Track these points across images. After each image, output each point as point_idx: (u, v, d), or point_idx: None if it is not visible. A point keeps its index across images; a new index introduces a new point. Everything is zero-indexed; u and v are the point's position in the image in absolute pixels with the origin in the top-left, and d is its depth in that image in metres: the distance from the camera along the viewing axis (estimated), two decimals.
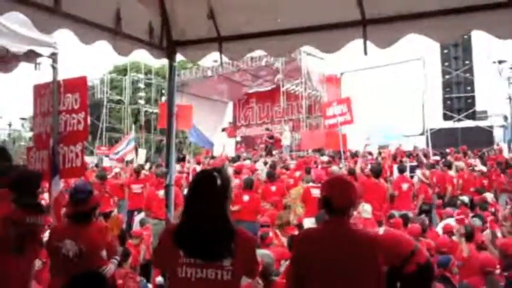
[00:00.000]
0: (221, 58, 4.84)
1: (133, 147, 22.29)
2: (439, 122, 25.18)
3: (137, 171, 14.82)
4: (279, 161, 19.20)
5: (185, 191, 12.96)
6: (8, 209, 4.30)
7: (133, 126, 31.88)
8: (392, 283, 3.32)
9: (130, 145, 22.23)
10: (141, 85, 33.75)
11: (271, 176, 12.93)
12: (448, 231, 9.03)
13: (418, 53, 22.83)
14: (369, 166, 13.71)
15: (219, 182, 2.96)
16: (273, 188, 12.35)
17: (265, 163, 18.18)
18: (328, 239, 3.35)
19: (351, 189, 3.49)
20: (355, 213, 7.55)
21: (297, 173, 14.99)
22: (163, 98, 32.81)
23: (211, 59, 4.72)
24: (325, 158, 17.84)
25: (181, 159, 19.75)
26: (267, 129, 29.03)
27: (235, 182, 12.21)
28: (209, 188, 2.95)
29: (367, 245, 3.35)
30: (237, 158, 17.61)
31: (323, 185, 3.62)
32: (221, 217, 2.92)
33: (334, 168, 13.52)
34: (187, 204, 3.00)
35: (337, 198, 3.36)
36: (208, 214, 2.89)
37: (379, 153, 19.79)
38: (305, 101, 26.51)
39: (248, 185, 10.96)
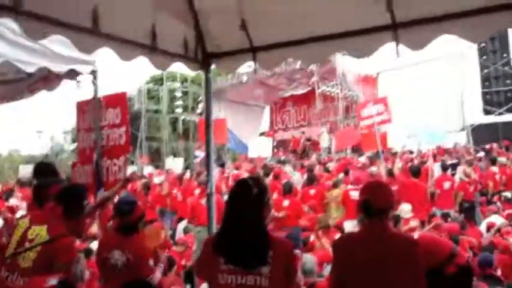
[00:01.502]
0: (256, 68, 4.92)
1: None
2: (479, 117, 24.73)
3: (179, 178, 15.07)
4: (314, 164, 19.09)
5: (225, 197, 13.12)
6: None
7: (171, 134, 32.33)
8: (432, 285, 3.33)
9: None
10: (178, 94, 34.11)
11: (311, 180, 12.96)
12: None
13: (455, 49, 22.45)
14: (409, 166, 13.58)
15: (255, 190, 3.00)
16: (312, 192, 12.38)
17: (302, 165, 18.18)
18: (368, 241, 3.40)
19: (388, 192, 3.56)
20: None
21: (340, 176, 14.97)
22: (200, 106, 33.12)
23: (246, 65, 4.82)
24: (362, 159, 17.74)
25: (220, 165, 19.91)
26: (303, 132, 29.00)
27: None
28: (245, 196, 3.00)
29: (407, 246, 3.39)
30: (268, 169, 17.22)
31: (362, 189, 3.68)
32: (257, 225, 2.97)
33: (372, 169, 13.48)
34: (225, 213, 3.05)
35: (375, 201, 3.41)
36: (244, 222, 2.96)
37: (420, 151, 19.52)
38: (341, 103, 26.40)
39: (287, 190, 11.02)
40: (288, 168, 17.21)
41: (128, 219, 4.95)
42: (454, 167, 15.18)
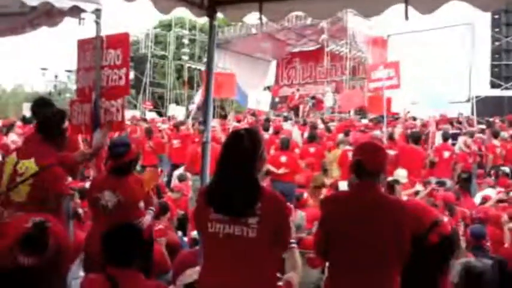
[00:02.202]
0: (261, 19, 4.82)
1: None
2: (485, 90, 24.54)
3: (176, 126, 15.08)
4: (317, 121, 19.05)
5: None
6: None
7: (176, 82, 32.18)
8: (414, 253, 3.35)
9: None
10: (186, 41, 33.76)
11: (312, 137, 12.95)
12: (486, 201, 8.92)
13: (467, 18, 22.08)
14: (409, 132, 13.54)
15: (247, 142, 2.98)
16: (312, 150, 12.39)
17: (305, 123, 18.14)
18: (356, 201, 3.42)
19: (382, 154, 3.56)
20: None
21: (340, 136, 14.95)
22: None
23: (255, 17, 4.69)
24: (365, 121, 17.70)
25: (223, 116, 19.87)
26: (297, 89, 28.84)
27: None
28: (237, 147, 2.99)
29: (395, 210, 3.40)
30: (267, 122, 17.01)
31: (355, 149, 3.68)
32: (248, 176, 2.94)
33: (376, 132, 13.44)
34: (217, 163, 3.04)
35: (368, 161, 3.41)
36: (235, 172, 2.94)
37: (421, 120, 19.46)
38: (349, 63, 26.18)
39: (285, 145, 11.01)
40: (287, 125, 17.18)
41: (121, 161, 4.97)
42: (455, 137, 15.14)
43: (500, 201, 8.97)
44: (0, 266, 3.34)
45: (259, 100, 24.95)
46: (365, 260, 3.31)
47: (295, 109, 26.08)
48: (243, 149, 2.97)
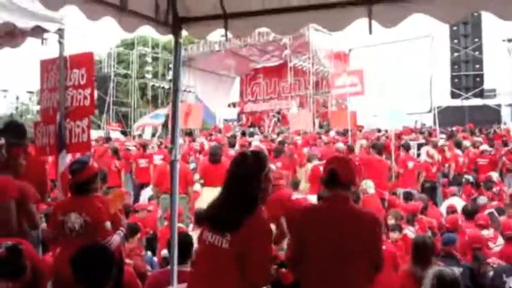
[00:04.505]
0: (226, 35, 4.83)
1: (160, 123, 22.43)
2: (446, 100, 25.07)
3: (143, 145, 14.95)
4: (288, 137, 19.12)
5: (191, 166, 13.07)
6: None
7: (140, 100, 31.95)
8: None
9: (158, 119, 22.28)
10: (149, 59, 33.65)
11: (279, 152, 12.99)
12: (452, 211, 9.04)
13: (427, 30, 22.55)
14: (371, 143, 13.69)
15: (251, 162, 3.22)
16: (279, 164, 12.38)
17: (272, 140, 18.18)
18: (330, 213, 3.43)
19: (354, 166, 3.62)
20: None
21: (305, 149, 15.00)
22: (171, 72, 32.76)
23: (218, 34, 4.72)
24: (332, 134, 17.84)
25: (188, 134, 19.82)
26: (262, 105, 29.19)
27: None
28: (240, 165, 3.24)
29: (369, 223, 3.42)
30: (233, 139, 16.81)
31: (328, 161, 3.69)
32: (248, 197, 3.14)
33: (339, 145, 13.54)
34: (224, 181, 3.29)
35: (342, 171, 3.44)
36: (232, 190, 3.21)
37: (386, 131, 19.71)
38: (312, 77, 26.44)
39: None
40: (255, 142, 17.17)
41: (79, 177, 4.86)
42: (420, 147, 15.40)
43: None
44: None
45: (227, 117, 25.00)
46: (339, 272, 3.30)
47: (258, 125, 26.21)
48: (247, 169, 3.19)
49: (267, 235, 3.24)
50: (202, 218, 3.44)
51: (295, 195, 6.11)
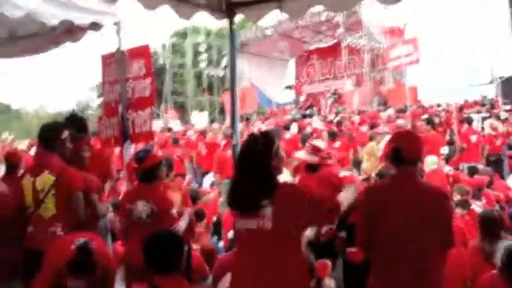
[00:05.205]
0: (281, 16, 4.81)
1: None
2: (509, 70, 24.10)
3: (202, 133, 15.13)
4: (345, 117, 18.91)
5: None
6: None
7: (196, 89, 32.27)
8: None
9: None
10: (202, 48, 33.81)
11: (334, 135, 12.86)
12: None
13: None
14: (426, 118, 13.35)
15: (260, 142, 3.19)
16: (336, 145, 12.25)
17: (331, 121, 18.02)
18: (399, 190, 3.37)
19: (420, 142, 3.52)
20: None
21: (363, 128, 14.81)
22: (225, 60, 32.88)
23: (271, 19, 4.69)
24: (390, 111, 17.53)
25: (245, 119, 19.91)
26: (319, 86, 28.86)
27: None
28: (250, 148, 3.23)
29: (439, 198, 3.35)
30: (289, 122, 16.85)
31: (392, 137, 3.64)
32: (260, 173, 3.12)
33: (399, 121, 13.29)
34: (234, 165, 3.34)
35: (408, 148, 3.38)
36: (248, 172, 3.18)
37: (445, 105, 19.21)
38: (367, 55, 25.99)
39: (303, 142, 10.91)
40: (316, 123, 17.05)
41: (144, 165, 4.99)
42: (484, 120, 14.93)
43: None
44: None
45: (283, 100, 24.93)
46: (411, 249, 3.25)
47: (316, 106, 26.00)
48: (255, 149, 3.17)
49: (302, 195, 3.21)
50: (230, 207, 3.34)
51: (343, 173, 6.05)
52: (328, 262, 4.19)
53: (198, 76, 34.70)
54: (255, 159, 3.15)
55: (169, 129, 18.79)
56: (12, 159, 5.85)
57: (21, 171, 5.27)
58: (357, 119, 17.98)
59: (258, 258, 3.09)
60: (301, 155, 5.98)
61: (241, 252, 3.31)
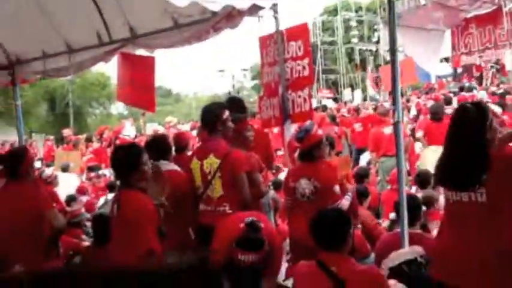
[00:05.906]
0: None
1: None
2: None
3: (356, 109, 15.01)
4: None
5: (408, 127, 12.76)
6: None
7: (348, 65, 31.99)
8: None
9: None
10: (353, 23, 33.38)
11: (502, 105, 12.14)
12: None
13: None
14: None
15: (473, 113, 3.05)
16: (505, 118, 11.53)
17: (493, 93, 16.99)
18: None
19: None
20: None
21: None
22: (376, 34, 32.17)
23: None
24: None
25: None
26: (480, 57, 27.13)
27: None
28: (461, 119, 3.12)
29: None
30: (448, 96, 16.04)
31: None
32: (473, 148, 3.01)
33: None
34: (446, 138, 3.19)
35: None
36: (459, 143, 3.09)
37: None
38: None
39: None
40: (482, 93, 16.15)
41: (305, 144, 5.05)
42: None
43: None
44: (221, 264, 3.69)
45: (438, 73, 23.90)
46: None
47: (479, 77, 24.56)
48: (469, 121, 3.05)
49: None
50: (436, 179, 3.22)
51: None
52: None
53: (350, 52, 34.39)
54: (469, 132, 3.06)
55: (325, 108, 18.82)
56: (180, 141, 6.23)
57: (188, 153, 5.62)
58: None
59: (470, 233, 3.03)
60: None
61: (452, 226, 3.22)
